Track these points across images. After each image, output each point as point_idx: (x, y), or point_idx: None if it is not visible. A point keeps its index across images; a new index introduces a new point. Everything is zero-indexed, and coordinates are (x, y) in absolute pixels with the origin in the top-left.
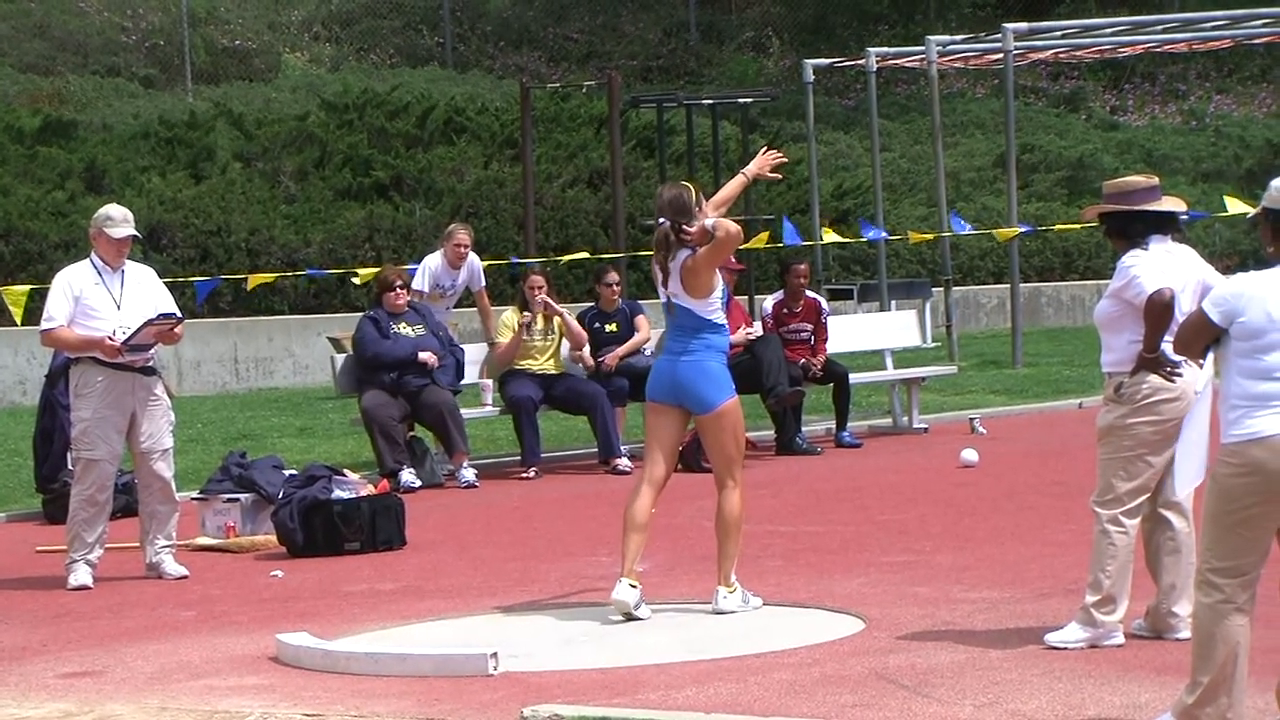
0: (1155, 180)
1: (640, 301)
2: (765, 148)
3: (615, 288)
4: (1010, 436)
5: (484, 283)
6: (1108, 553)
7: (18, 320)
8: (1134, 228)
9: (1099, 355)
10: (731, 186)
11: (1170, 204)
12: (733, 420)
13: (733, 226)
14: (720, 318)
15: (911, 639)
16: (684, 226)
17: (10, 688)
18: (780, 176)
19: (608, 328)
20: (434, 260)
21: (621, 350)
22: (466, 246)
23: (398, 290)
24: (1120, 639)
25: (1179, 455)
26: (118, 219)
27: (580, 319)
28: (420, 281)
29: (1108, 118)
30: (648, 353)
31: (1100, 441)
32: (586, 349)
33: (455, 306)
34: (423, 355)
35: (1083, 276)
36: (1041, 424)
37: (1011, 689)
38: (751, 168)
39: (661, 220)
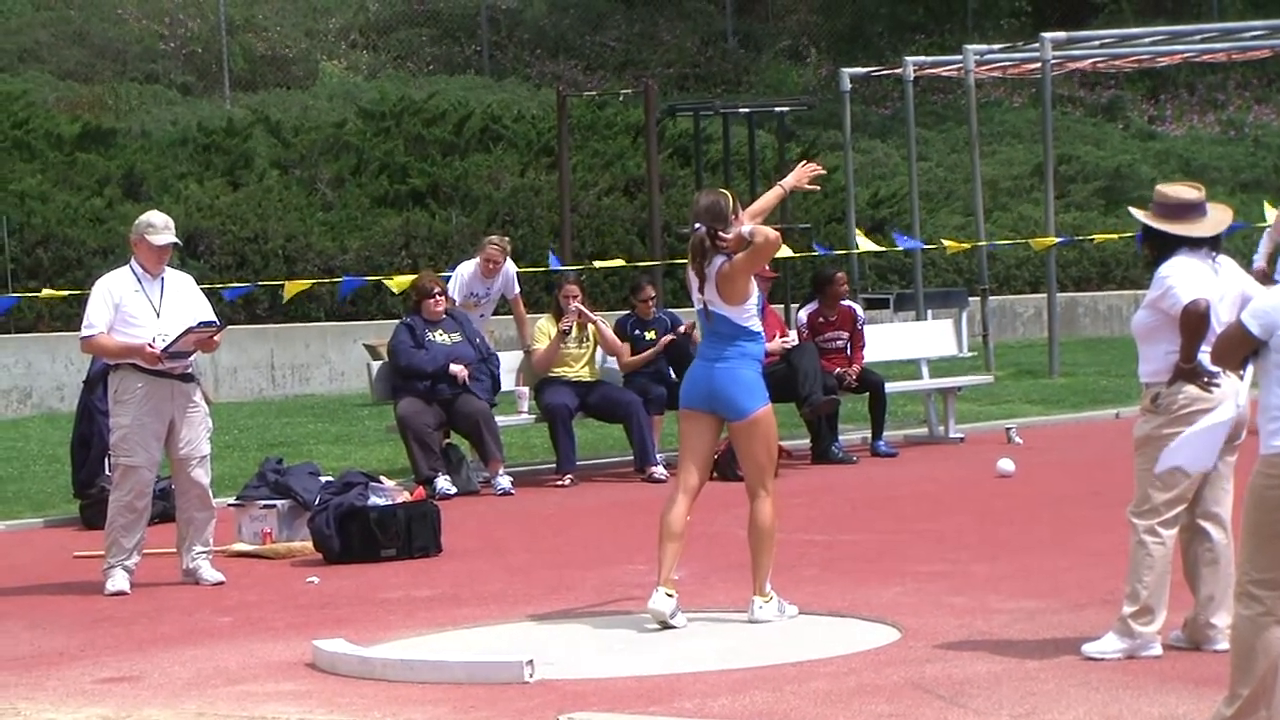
0: (1201, 195)
1: (676, 310)
2: (804, 160)
3: (650, 302)
4: (1046, 446)
5: (519, 290)
6: (1145, 563)
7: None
8: (1169, 242)
9: (1136, 365)
10: (769, 198)
11: (1216, 218)
12: (765, 429)
13: (771, 233)
14: (756, 325)
15: (948, 649)
16: (720, 233)
17: (48, 692)
18: (818, 188)
19: (647, 335)
20: (467, 269)
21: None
22: (497, 263)
23: (436, 297)
24: (1158, 650)
25: (1185, 436)
26: (159, 226)
27: (618, 327)
28: (453, 290)
29: (1146, 127)
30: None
31: (1137, 452)
32: (627, 346)
33: (492, 314)
34: (454, 369)
35: (1120, 286)
36: (1078, 434)
37: (1048, 700)
38: (789, 180)
39: (698, 226)
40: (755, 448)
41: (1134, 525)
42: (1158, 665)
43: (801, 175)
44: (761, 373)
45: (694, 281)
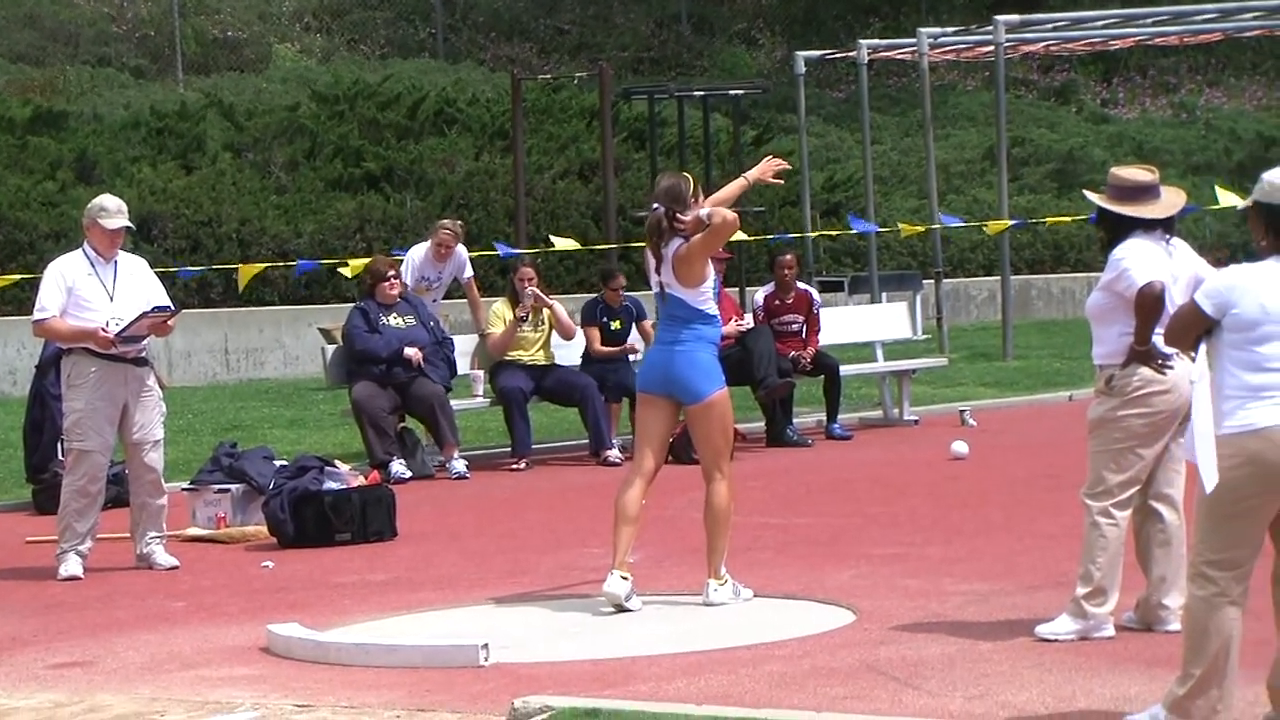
0: (1155, 178)
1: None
2: (770, 155)
3: (620, 291)
4: (1001, 429)
5: (471, 273)
6: (1098, 545)
7: None
8: (1123, 224)
9: (1090, 348)
10: (732, 188)
11: (1169, 200)
12: (721, 412)
13: (729, 214)
14: (712, 308)
15: (902, 631)
16: (678, 215)
17: (0, 678)
18: (782, 182)
19: (613, 325)
20: (418, 252)
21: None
22: (449, 246)
23: (391, 280)
24: (1110, 631)
25: (1198, 451)
26: (112, 210)
27: (586, 312)
28: (405, 274)
29: (1098, 110)
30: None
31: (1091, 434)
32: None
33: (445, 298)
34: (408, 352)
35: (1073, 269)
36: (1032, 416)
37: (1002, 681)
38: (754, 172)
39: (656, 206)
40: (711, 431)
41: (1088, 507)
42: (1111, 646)
43: (766, 169)
44: (718, 356)
45: (651, 263)
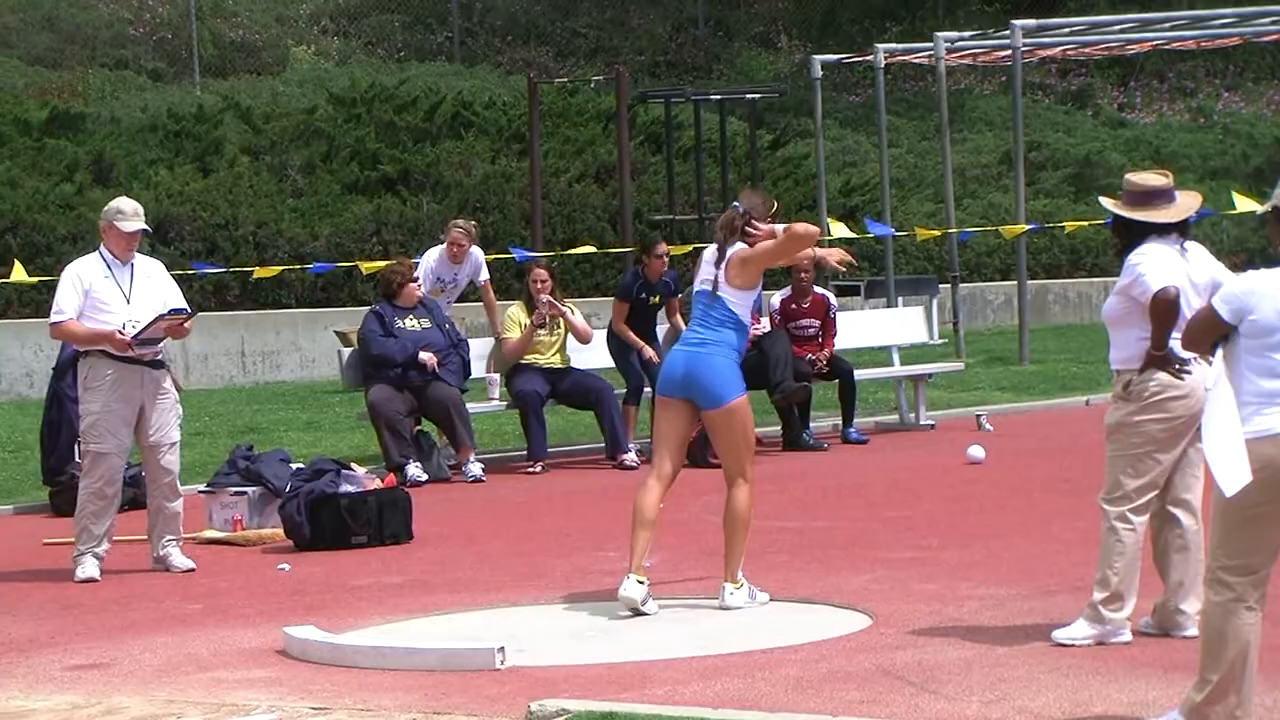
0: (1169, 182)
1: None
2: (843, 248)
3: (664, 259)
4: (1017, 433)
5: (487, 276)
6: (1115, 550)
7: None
8: (1136, 229)
9: (1106, 352)
10: (771, 240)
11: (1184, 204)
12: (742, 418)
13: (811, 226)
14: (747, 318)
15: (918, 635)
16: (754, 219)
17: (18, 680)
18: (844, 271)
19: (651, 300)
20: (433, 254)
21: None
22: (461, 246)
23: (415, 283)
24: (1128, 636)
25: (1211, 456)
26: (129, 212)
27: (624, 286)
28: (420, 276)
29: (1116, 115)
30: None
31: (1108, 439)
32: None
33: (459, 301)
34: (423, 356)
35: (1090, 274)
36: (1048, 421)
37: (1018, 686)
38: (821, 251)
39: (736, 204)
40: (734, 437)
41: (1105, 512)
42: (1128, 651)
43: (833, 254)
44: (739, 364)
45: (710, 257)
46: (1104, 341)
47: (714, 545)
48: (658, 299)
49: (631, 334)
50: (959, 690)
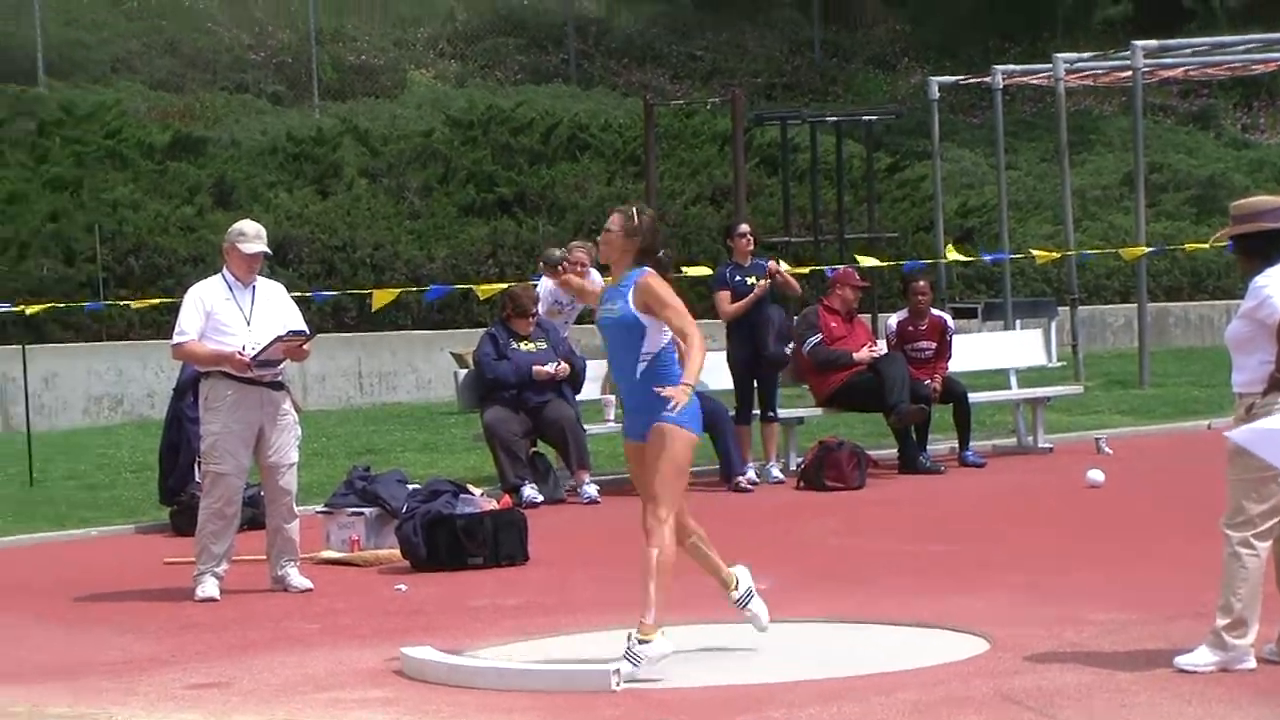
0: (1277, 201)
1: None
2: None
3: (747, 238)
4: (1137, 457)
5: None
6: (1239, 575)
7: None
8: (1264, 247)
9: (1228, 375)
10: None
11: None
12: (681, 447)
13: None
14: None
15: (1037, 660)
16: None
17: (140, 698)
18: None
19: (749, 280)
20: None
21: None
22: (583, 265)
23: (531, 317)
24: (1251, 663)
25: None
26: (250, 235)
27: (720, 276)
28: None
29: (1239, 136)
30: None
31: (1231, 463)
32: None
33: (576, 323)
34: (537, 369)
35: (1212, 296)
36: (1169, 445)
37: (1140, 712)
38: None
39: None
40: (661, 463)
41: (1227, 537)
42: (1251, 678)
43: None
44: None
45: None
46: (1225, 365)
47: (833, 568)
48: (754, 279)
49: (738, 305)
50: (1079, 716)
